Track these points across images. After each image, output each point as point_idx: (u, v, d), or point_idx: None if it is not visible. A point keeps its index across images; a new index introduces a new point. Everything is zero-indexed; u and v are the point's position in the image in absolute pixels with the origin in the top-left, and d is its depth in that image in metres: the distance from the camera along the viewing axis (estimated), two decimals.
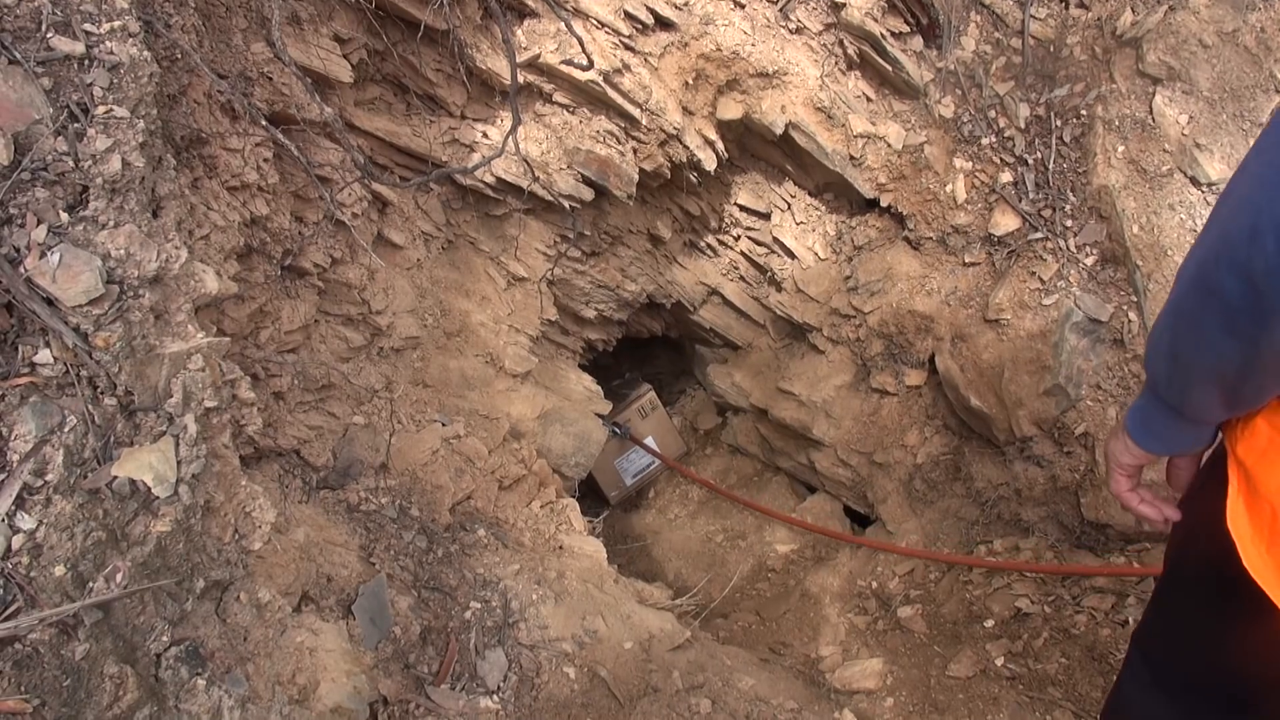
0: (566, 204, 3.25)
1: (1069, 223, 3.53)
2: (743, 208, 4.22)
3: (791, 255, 4.27)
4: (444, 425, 3.02)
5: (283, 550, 2.17)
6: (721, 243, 4.40)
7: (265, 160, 2.30)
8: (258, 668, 1.58)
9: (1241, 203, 1.09)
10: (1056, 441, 3.43)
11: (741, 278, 4.53)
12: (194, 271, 1.54)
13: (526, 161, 2.88)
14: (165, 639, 1.35)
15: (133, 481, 1.35)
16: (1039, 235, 3.55)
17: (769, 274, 4.40)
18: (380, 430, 2.85)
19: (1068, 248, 3.50)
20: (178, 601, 1.39)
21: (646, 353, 6.01)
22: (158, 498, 1.38)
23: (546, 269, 3.48)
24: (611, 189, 3.30)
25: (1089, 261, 3.46)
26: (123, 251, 1.39)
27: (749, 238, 4.34)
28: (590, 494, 5.01)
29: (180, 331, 1.48)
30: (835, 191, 4.12)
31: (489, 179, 3.13)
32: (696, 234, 4.32)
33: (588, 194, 3.26)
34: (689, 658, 2.79)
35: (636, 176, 3.36)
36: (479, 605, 2.50)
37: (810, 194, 4.17)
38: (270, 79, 2.31)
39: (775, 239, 4.24)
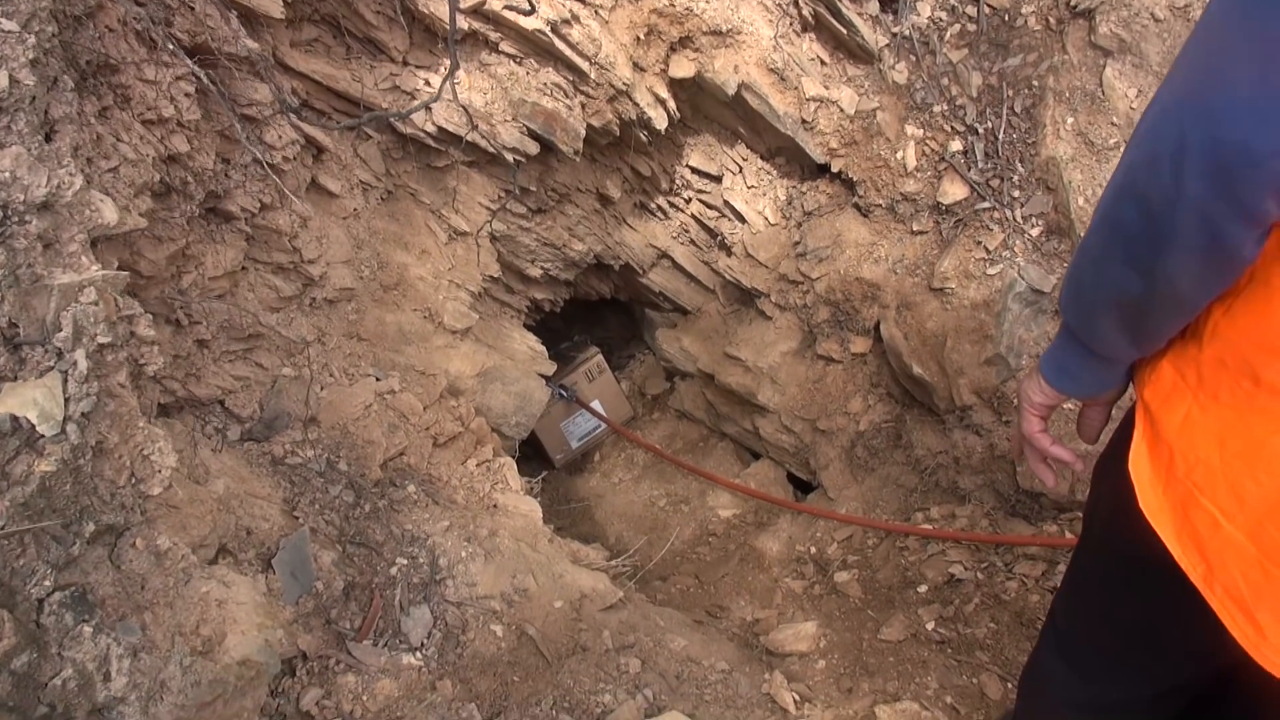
0: (511, 157, 3.18)
1: (1016, 193, 3.53)
2: (694, 170, 4.17)
3: (742, 219, 4.23)
4: (378, 380, 2.95)
5: (199, 501, 2.11)
6: (672, 205, 4.35)
7: (186, 95, 2.20)
8: (156, 617, 1.52)
9: (1145, 132, 1.07)
10: (995, 411, 3.45)
11: (692, 241, 4.48)
12: (90, 200, 1.45)
13: (467, 110, 2.80)
14: (48, 584, 1.29)
15: (15, 418, 1.28)
16: (986, 205, 3.54)
17: (719, 238, 4.36)
18: (310, 383, 2.78)
19: (1014, 218, 3.50)
20: (63, 545, 1.32)
21: (596, 316, 5.96)
22: (42, 436, 1.31)
23: (489, 223, 3.40)
24: (558, 144, 3.22)
25: (1034, 233, 3.46)
26: (8, 174, 1.31)
27: (700, 200, 4.29)
28: (536, 456, 4.98)
29: (72, 263, 1.40)
30: (787, 156, 4.08)
31: (430, 128, 3.04)
32: (647, 195, 4.26)
33: (533, 148, 3.19)
34: (621, 618, 2.77)
35: (584, 132, 3.28)
36: (405, 562, 2.45)
37: (762, 157, 4.13)
38: (192, 8, 2.20)
39: (726, 202, 4.19)
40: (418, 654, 2.27)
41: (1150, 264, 1.14)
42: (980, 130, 3.62)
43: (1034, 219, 3.46)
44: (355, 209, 3.03)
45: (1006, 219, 3.52)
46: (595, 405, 4.95)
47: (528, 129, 3.17)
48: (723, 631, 3.18)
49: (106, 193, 1.70)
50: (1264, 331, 1.13)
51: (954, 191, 3.61)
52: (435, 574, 2.46)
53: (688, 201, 4.33)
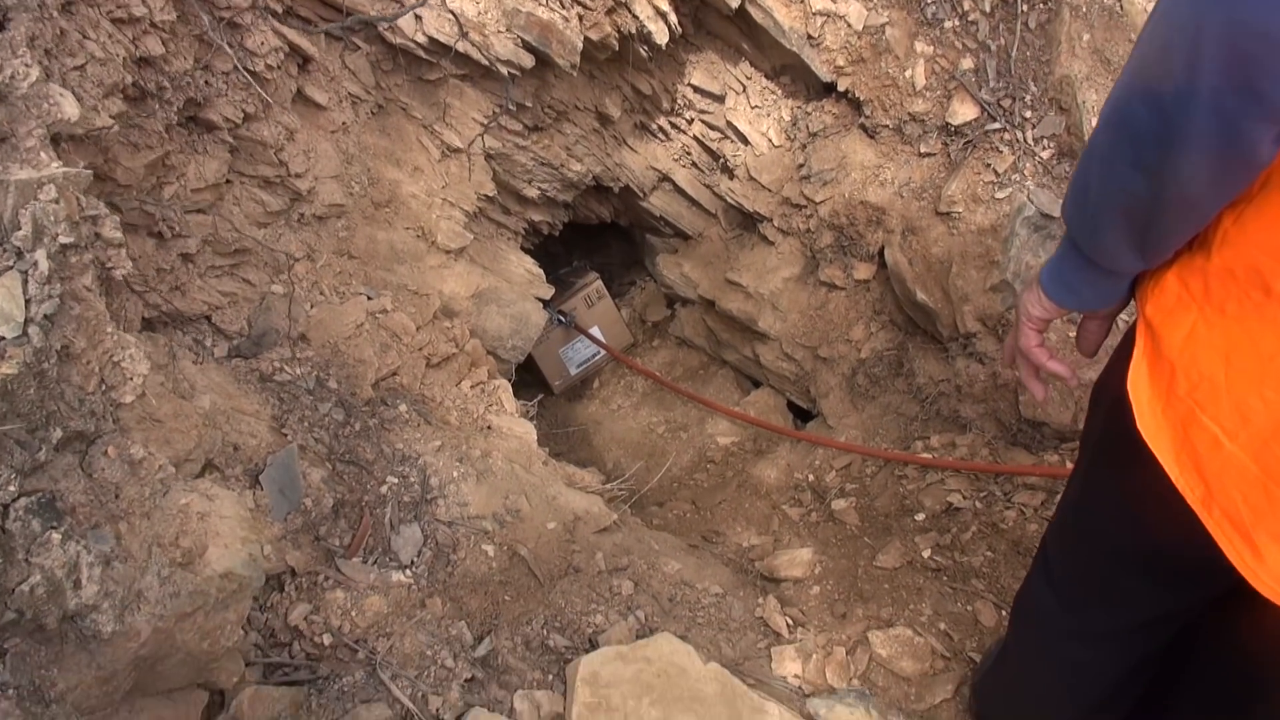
0: (504, 70, 3.07)
1: (1028, 114, 3.42)
2: (696, 89, 4.04)
3: (745, 141, 4.12)
4: (370, 299, 2.89)
5: (184, 416, 2.07)
6: (674, 125, 4.23)
7: None
8: (131, 527, 1.49)
9: (1157, 20, 0.99)
10: (999, 338, 3.39)
11: (694, 164, 4.38)
12: (48, 94, 1.38)
13: (457, 19, 2.69)
14: (13, 489, 1.25)
15: None
16: (997, 126, 3.43)
17: (721, 160, 4.25)
18: (300, 300, 2.72)
19: (1025, 140, 3.39)
20: (29, 451, 1.28)
21: (597, 242, 5.87)
22: (3, 338, 1.26)
23: (481, 138, 3.30)
24: (554, 56, 3.11)
25: (1045, 155, 3.36)
26: None
27: (702, 121, 4.17)
28: (535, 383, 4.94)
29: (30, 159, 1.34)
30: (792, 75, 3.95)
31: (420, 38, 2.92)
32: (648, 115, 4.14)
33: (528, 60, 3.08)
34: (615, 541, 2.76)
35: (580, 44, 3.17)
36: (396, 480, 2.42)
37: (767, 76, 4.00)
38: None
39: (729, 123, 4.07)
40: (407, 572, 2.26)
41: (1160, 166, 1.07)
42: (993, 47, 3.49)
43: (1045, 141, 3.35)
44: (344, 123, 2.94)
45: (1017, 140, 3.41)
46: (594, 331, 4.89)
47: (522, 40, 3.05)
48: (717, 557, 3.17)
49: (73, 91, 1.62)
50: (1277, 239, 1.06)
51: (964, 112, 3.49)
52: (426, 493, 2.43)
53: (690, 122, 4.21)
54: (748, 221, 4.43)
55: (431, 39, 2.93)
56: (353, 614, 2.12)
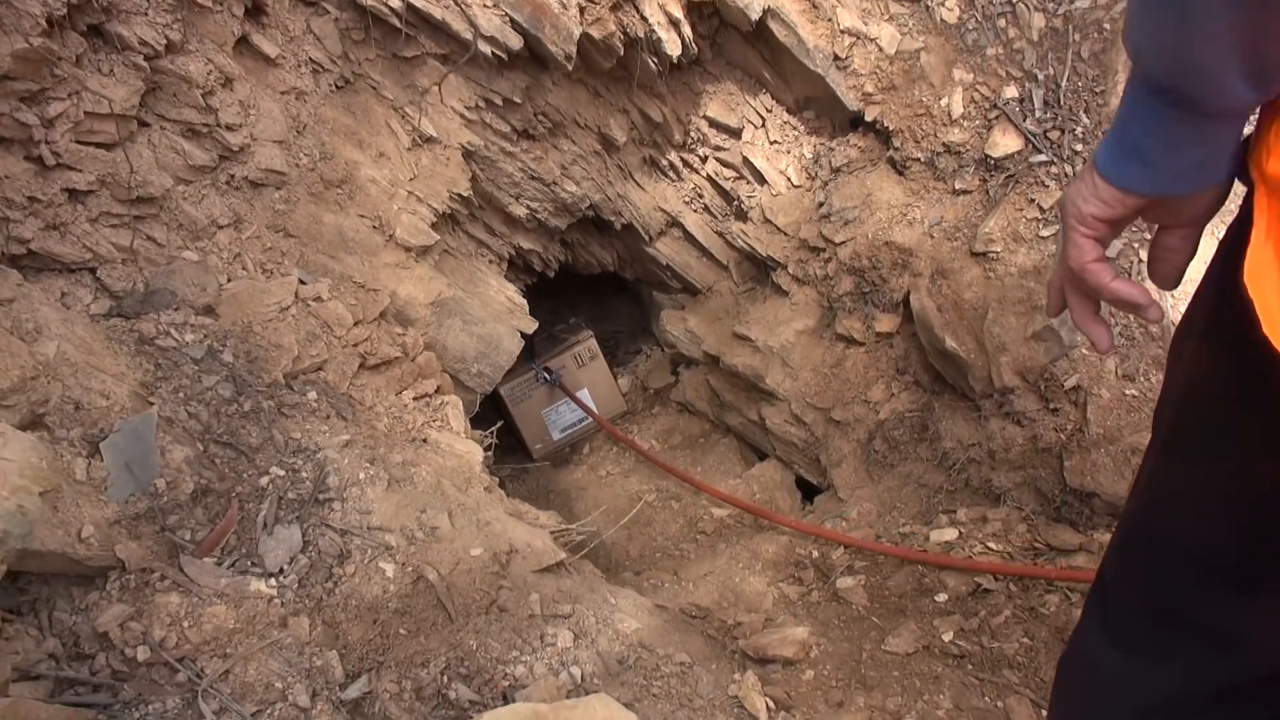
0: (488, 50, 2.74)
1: (1079, 147, 3.02)
2: (712, 121, 3.71)
3: (762, 180, 3.75)
4: (304, 283, 2.49)
5: (13, 354, 1.64)
6: (686, 163, 3.88)
7: None
8: None
9: None
10: (1041, 395, 2.90)
11: (706, 207, 4.01)
12: None
13: None
14: None
15: None
16: (1043, 158, 3.03)
17: (735, 202, 3.88)
18: (216, 271, 2.33)
19: (1075, 174, 2.98)
20: None
21: (605, 308, 5.49)
22: None
23: (464, 136, 2.95)
24: (545, 42, 2.78)
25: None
26: None
27: (716, 158, 3.82)
28: (517, 449, 4.47)
29: None
30: (817, 109, 3.61)
31: (396, 3, 2.61)
32: (658, 149, 3.80)
33: (515, 40, 2.75)
34: (560, 585, 2.24)
35: (578, 35, 2.84)
36: (283, 473, 1.96)
37: (789, 111, 3.66)
38: None
39: (745, 159, 3.72)
40: (271, 581, 1.76)
41: None
42: (1040, 76, 3.13)
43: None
44: (300, 89, 2.60)
45: (1065, 175, 3.00)
46: (583, 394, 4.44)
47: (511, 19, 2.73)
48: (692, 625, 2.62)
49: None
50: None
51: (1005, 143, 3.10)
52: (320, 492, 1.96)
53: (703, 160, 3.87)
54: (760, 274, 4.03)
55: (410, 4, 2.61)
56: (185, 625, 1.63)
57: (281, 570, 1.78)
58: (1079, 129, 3.03)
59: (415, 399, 2.58)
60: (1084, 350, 2.86)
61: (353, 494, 1.99)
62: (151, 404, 1.90)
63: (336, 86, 2.72)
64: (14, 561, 1.41)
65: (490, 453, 2.80)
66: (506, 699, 1.82)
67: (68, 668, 1.57)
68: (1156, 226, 1.10)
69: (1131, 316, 2.83)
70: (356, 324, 2.51)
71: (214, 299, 2.26)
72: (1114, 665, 1.26)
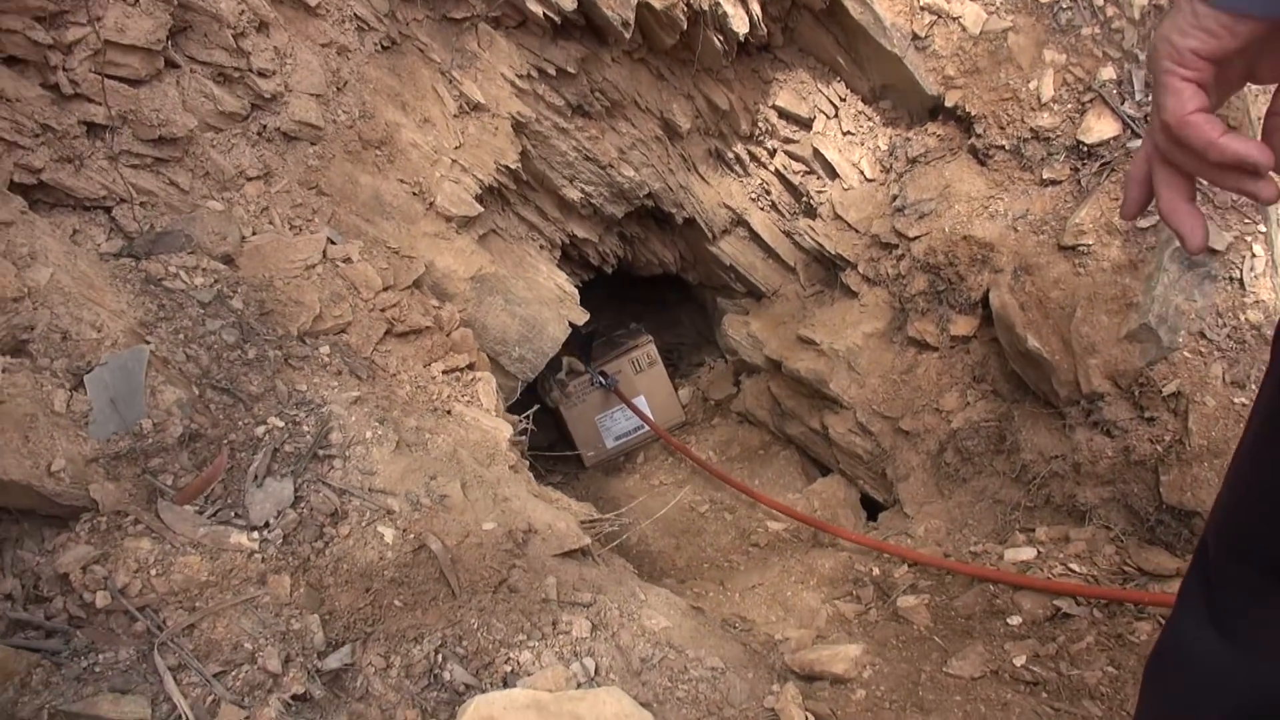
0: (540, 10, 2.60)
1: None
2: (781, 112, 3.52)
3: (833, 174, 3.53)
4: (333, 243, 2.36)
5: (1, 275, 1.54)
6: (753, 156, 3.69)
7: None
8: None
9: None
10: (1136, 402, 2.60)
11: (773, 205, 3.80)
12: None
13: None
14: None
15: None
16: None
17: (805, 199, 3.66)
18: (241, 222, 2.21)
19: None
20: None
21: (669, 317, 5.31)
22: None
23: (515, 105, 2.82)
24: (601, 6, 2.64)
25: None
26: None
27: (785, 152, 3.62)
28: (564, 453, 4.28)
29: None
30: (894, 98, 3.39)
31: None
32: (724, 140, 3.62)
33: (569, 2, 2.61)
34: (584, 573, 2.04)
35: (636, 0, 2.69)
36: (282, 424, 1.80)
37: (864, 100, 3.45)
38: None
39: (816, 151, 3.51)
40: (254, 535, 1.60)
41: None
42: (1141, 57, 2.86)
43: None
44: (343, 44, 2.50)
45: None
46: (639, 401, 4.24)
47: None
48: (729, 631, 2.39)
49: None
50: None
51: (1100, 128, 2.83)
52: (321, 448, 1.80)
53: (772, 154, 3.67)
54: (829, 276, 3.79)
55: None
56: (152, 573, 1.48)
57: (266, 524, 1.62)
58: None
59: (445, 372, 2.42)
60: (1186, 353, 2.55)
61: (356, 452, 1.83)
62: (148, 342, 1.77)
63: (382, 46, 2.61)
64: None
65: (525, 437, 2.62)
66: (507, 685, 1.61)
67: (23, 610, 1.43)
68: (1274, 93, 0.89)
69: (1242, 312, 2.52)
70: (386, 289, 2.38)
71: (234, 249, 2.15)
72: (1215, 658, 1.03)
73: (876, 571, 2.94)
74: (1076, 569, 2.54)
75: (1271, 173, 0.86)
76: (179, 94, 2.14)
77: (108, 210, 2.02)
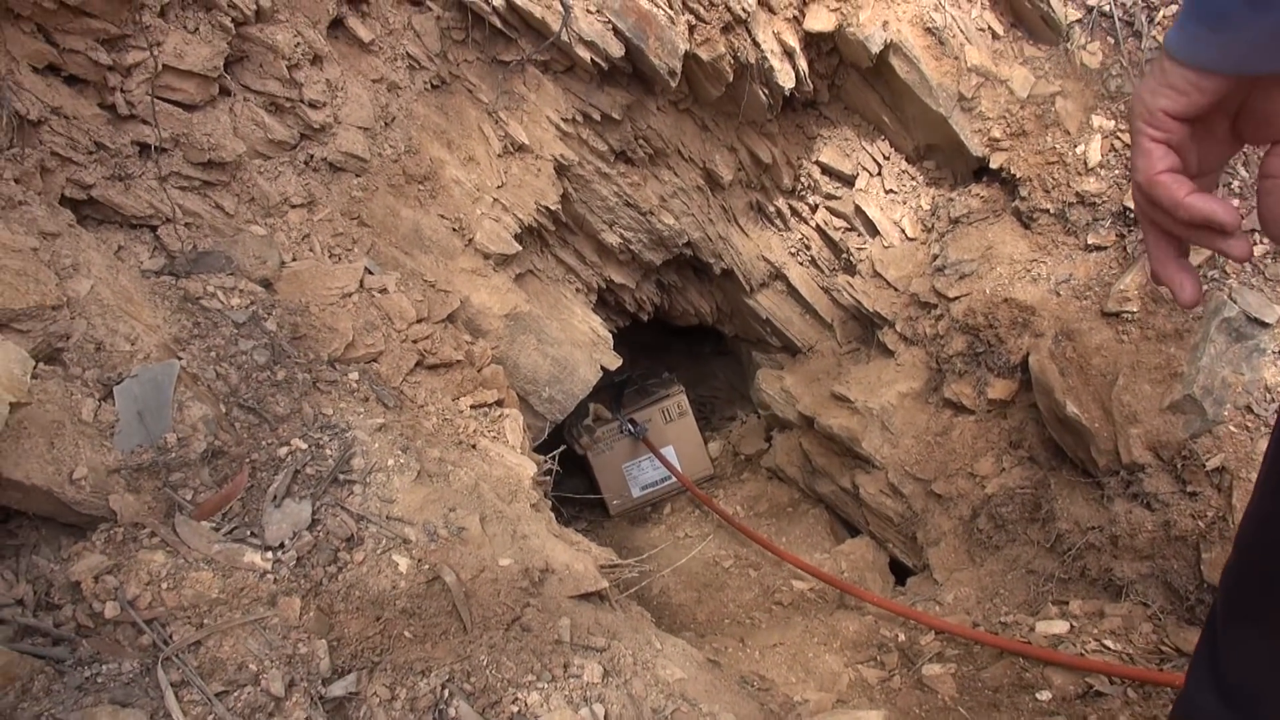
0: (588, 56, 2.64)
1: (1235, 201, 2.69)
2: (825, 168, 3.52)
3: (874, 231, 3.52)
4: (370, 274, 2.38)
5: (41, 283, 1.57)
6: (794, 211, 3.69)
7: None
8: None
9: None
10: (1177, 476, 2.52)
11: (813, 260, 3.79)
12: None
13: None
14: None
15: None
16: None
17: (844, 255, 3.65)
18: (282, 248, 2.24)
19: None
20: None
21: (704, 370, 5.29)
22: None
23: (558, 148, 2.85)
24: (649, 55, 2.67)
25: (1257, 249, 2.59)
26: None
27: (827, 207, 3.62)
28: (589, 502, 4.23)
29: None
30: (938, 159, 3.38)
31: (499, 1, 2.55)
32: (766, 194, 3.63)
33: (616, 48, 2.64)
34: (599, 617, 2.00)
35: (683, 49, 2.73)
36: (305, 446, 1.80)
37: (908, 159, 3.45)
38: None
39: (858, 208, 3.50)
40: (268, 555, 1.59)
41: None
42: None
43: (1257, 232, 2.59)
44: (393, 81, 2.55)
45: None
46: (668, 452, 4.21)
47: (614, 26, 2.63)
48: (747, 688, 2.32)
49: None
50: None
51: None
52: (342, 472, 1.79)
53: (813, 209, 3.67)
54: (866, 334, 3.76)
55: (510, 3, 2.55)
56: (163, 586, 1.47)
57: (281, 545, 1.61)
58: (1235, 182, 2.71)
59: (473, 406, 2.42)
60: (1231, 427, 2.48)
61: (377, 479, 1.82)
62: (179, 358, 1.78)
63: (432, 85, 2.66)
64: None
65: (549, 477, 2.60)
66: None
67: (33, 616, 1.42)
68: (1265, 154, 0.86)
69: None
70: (420, 321, 2.39)
71: (273, 273, 2.17)
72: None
73: (902, 638, 2.85)
74: (1111, 646, 2.44)
75: (1244, 229, 0.84)
76: (231, 120, 2.19)
77: (153, 229, 2.06)
